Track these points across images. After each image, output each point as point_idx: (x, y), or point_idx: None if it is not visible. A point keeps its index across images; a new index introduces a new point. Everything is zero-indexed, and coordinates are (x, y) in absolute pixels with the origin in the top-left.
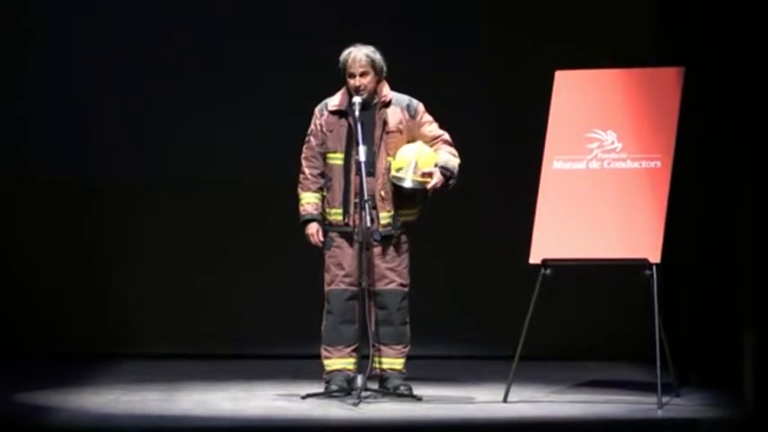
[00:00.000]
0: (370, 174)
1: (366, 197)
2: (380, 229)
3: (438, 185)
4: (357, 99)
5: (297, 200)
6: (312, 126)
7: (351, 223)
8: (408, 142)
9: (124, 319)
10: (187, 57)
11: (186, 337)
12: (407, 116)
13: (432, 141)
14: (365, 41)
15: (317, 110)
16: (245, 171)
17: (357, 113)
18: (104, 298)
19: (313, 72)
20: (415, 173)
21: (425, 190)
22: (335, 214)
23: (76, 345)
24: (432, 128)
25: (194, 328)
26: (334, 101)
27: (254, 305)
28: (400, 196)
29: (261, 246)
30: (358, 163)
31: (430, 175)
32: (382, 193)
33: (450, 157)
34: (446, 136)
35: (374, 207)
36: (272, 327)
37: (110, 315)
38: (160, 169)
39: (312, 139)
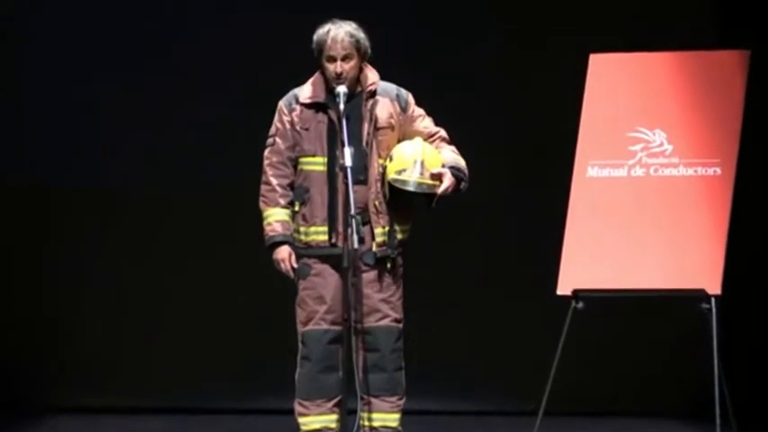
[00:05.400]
0: (360, 181)
1: (354, 211)
2: (375, 250)
3: (449, 190)
4: (342, 89)
5: (260, 217)
6: (278, 125)
7: (339, 243)
8: (399, 141)
9: (60, 365)
10: (170, 57)
11: (133, 387)
12: (398, 109)
13: (428, 140)
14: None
15: (282, 104)
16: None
17: (342, 107)
18: (34, 335)
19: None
20: (422, 174)
21: (433, 195)
22: (317, 233)
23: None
24: (426, 123)
25: (143, 377)
26: (307, 92)
27: (215, 349)
28: (395, 208)
29: (221, 282)
30: (344, 168)
31: (439, 176)
32: (376, 203)
33: (457, 157)
34: (443, 133)
35: (366, 222)
36: (236, 375)
37: (42, 359)
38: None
39: (279, 140)
